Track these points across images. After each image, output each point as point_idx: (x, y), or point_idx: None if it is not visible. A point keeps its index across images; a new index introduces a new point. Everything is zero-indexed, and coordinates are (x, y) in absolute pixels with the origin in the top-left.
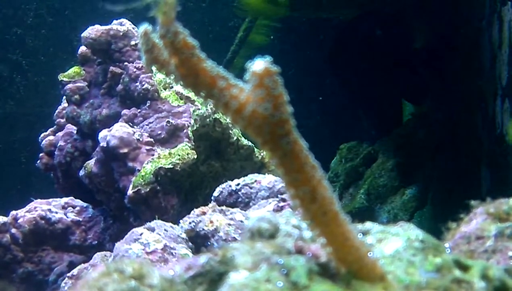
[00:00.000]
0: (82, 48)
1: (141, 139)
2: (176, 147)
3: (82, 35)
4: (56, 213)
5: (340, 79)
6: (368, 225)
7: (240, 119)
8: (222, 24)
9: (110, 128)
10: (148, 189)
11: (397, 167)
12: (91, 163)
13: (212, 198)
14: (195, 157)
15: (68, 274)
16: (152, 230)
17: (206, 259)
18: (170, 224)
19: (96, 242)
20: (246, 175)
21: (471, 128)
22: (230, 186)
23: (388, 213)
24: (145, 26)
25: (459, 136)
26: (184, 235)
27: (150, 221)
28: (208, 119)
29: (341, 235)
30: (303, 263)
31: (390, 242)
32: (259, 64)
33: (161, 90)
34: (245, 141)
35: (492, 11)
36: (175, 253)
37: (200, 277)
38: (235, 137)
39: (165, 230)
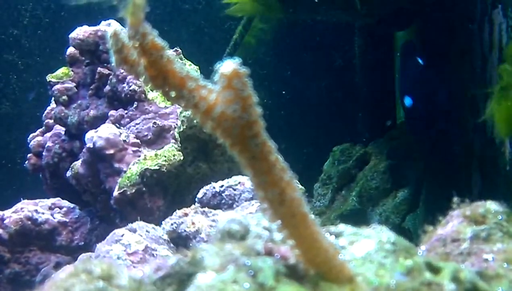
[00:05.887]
0: (70, 49)
1: (127, 141)
2: (162, 148)
3: (70, 35)
4: (43, 213)
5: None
6: (341, 227)
7: (209, 120)
8: (218, 26)
9: (97, 129)
10: (134, 190)
11: (389, 169)
12: (78, 164)
13: (196, 199)
14: (181, 158)
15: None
16: (133, 231)
17: (175, 260)
18: (152, 225)
19: (82, 242)
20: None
21: (463, 132)
22: (214, 187)
23: (380, 216)
24: (114, 27)
25: (451, 140)
26: (166, 236)
27: None
28: (195, 121)
29: (310, 236)
30: (271, 265)
31: (362, 244)
32: (227, 66)
33: (148, 91)
34: None
35: (483, 15)
36: (156, 254)
37: (169, 278)
38: None
39: (146, 231)
